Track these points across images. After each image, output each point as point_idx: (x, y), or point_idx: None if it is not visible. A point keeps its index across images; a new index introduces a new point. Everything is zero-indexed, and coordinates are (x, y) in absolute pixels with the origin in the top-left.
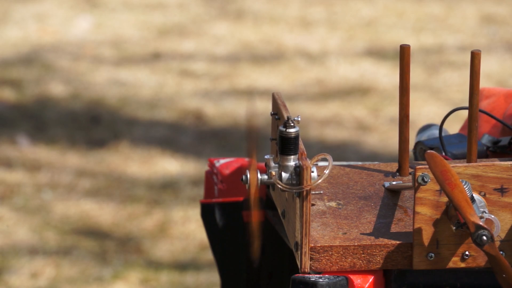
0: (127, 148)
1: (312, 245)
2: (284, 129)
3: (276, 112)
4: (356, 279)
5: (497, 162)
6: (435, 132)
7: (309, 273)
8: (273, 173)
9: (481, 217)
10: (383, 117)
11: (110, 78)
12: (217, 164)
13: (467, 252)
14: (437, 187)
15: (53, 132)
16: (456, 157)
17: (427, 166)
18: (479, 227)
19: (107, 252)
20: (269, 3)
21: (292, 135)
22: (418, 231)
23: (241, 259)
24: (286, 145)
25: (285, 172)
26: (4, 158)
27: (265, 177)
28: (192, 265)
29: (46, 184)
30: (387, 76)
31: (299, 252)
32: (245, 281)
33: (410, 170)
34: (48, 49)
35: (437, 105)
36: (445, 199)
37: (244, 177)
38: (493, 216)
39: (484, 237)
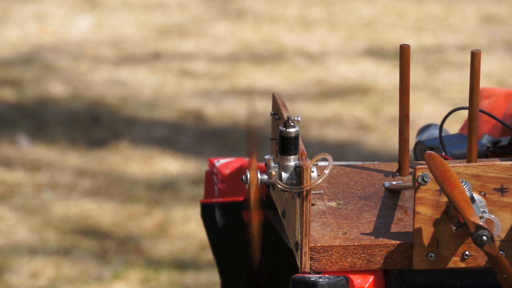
0: (127, 148)
1: (312, 245)
2: (284, 129)
3: (276, 112)
4: (356, 279)
5: (497, 162)
6: (435, 132)
7: (309, 273)
8: (273, 173)
9: (481, 217)
10: (383, 117)
11: (110, 78)
12: (217, 164)
13: (467, 252)
14: (437, 187)
15: (53, 132)
16: (456, 157)
17: (427, 166)
18: (479, 227)
19: (107, 252)
20: (269, 3)
21: (292, 135)
22: (418, 231)
23: (241, 259)
24: (286, 145)
25: (285, 172)
26: (4, 158)
27: (265, 177)
28: (192, 265)
29: (46, 184)
30: (387, 76)
31: (299, 252)
32: (245, 281)
33: (410, 170)
34: (48, 49)
35: (437, 105)
36: (445, 199)
37: (244, 177)
38: (493, 216)
39: (484, 237)
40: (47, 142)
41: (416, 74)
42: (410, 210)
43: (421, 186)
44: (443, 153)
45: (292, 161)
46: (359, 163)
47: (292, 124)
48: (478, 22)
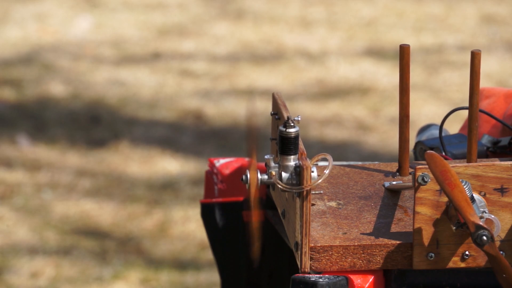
0: (127, 148)
1: (312, 245)
2: (284, 129)
3: (276, 112)
4: (356, 279)
5: (497, 162)
6: (435, 132)
7: (309, 273)
8: (273, 173)
9: (481, 217)
10: (383, 117)
11: (110, 78)
12: (217, 164)
13: (467, 252)
14: (437, 187)
15: (53, 132)
16: (456, 157)
17: (427, 166)
18: (479, 227)
19: (107, 252)
20: (269, 3)
21: (292, 135)
22: (418, 231)
23: (241, 259)
24: (286, 145)
25: (285, 172)
26: (4, 158)
27: (265, 177)
28: (192, 265)
29: (46, 184)
30: (387, 76)
31: (299, 252)
32: (245, 281)
33: (410, 170)
34: (48, 49)
35: (437, 105)
36: (445, 199)
37: (244, 177)
38: (493, 216)
39: (484, 237)
40: (47, 142)
41: (416, 74)
42: (410, 210)
43: (421, 186)
44: (443, 153)
45: (292, 161)
46: (359, 163)
47: (292, 124)
48: (478, 22)
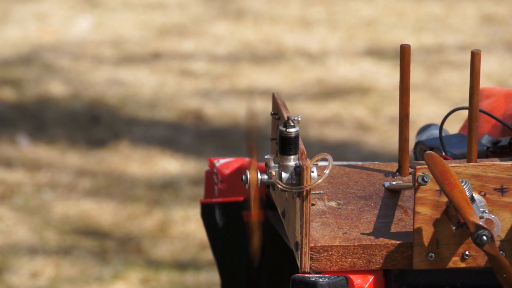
0: (127, 148)
1: (312, 245)
2: (284, 129)
3: (276, 112)
4: (356, 279)
5: (497, 162)
6: (435, 132)
7: (309, 273)
8: (273, 173)
9: (481, 217)
10: (383, 117)
11: (110, 78)
12: (217, 164)
13: (467, 252)
14: (437, 187)
15: (53, 132)
16: (456, 157)
17: (427, 166)
18: (479, 227)
19: (107, 252)
20: (269, 3)
21: (292, 135)
22: (418, 231)
23: (241, 259)
24: (286, 145)
25: (285, 172)
26: (4, 158)
27: (265, 177)
28: (192, 265)
29: (46, 184)
30: (387, 76)
31: (299, 252)
32: (245, 281)
33: (410, 170)
34: (48, 49)
35: (437, 105)
36: (445, 199)
37: (244, 177)
38: (493, 216)
39: (484, 237)
40: (47, 142)
41: (416, 74)
42: (410, 210)
43: (421, 186)
44: (443, 153)
45: (292, 161)
46: (359, 163)
47: (292, 124)
48: (478, 22)
